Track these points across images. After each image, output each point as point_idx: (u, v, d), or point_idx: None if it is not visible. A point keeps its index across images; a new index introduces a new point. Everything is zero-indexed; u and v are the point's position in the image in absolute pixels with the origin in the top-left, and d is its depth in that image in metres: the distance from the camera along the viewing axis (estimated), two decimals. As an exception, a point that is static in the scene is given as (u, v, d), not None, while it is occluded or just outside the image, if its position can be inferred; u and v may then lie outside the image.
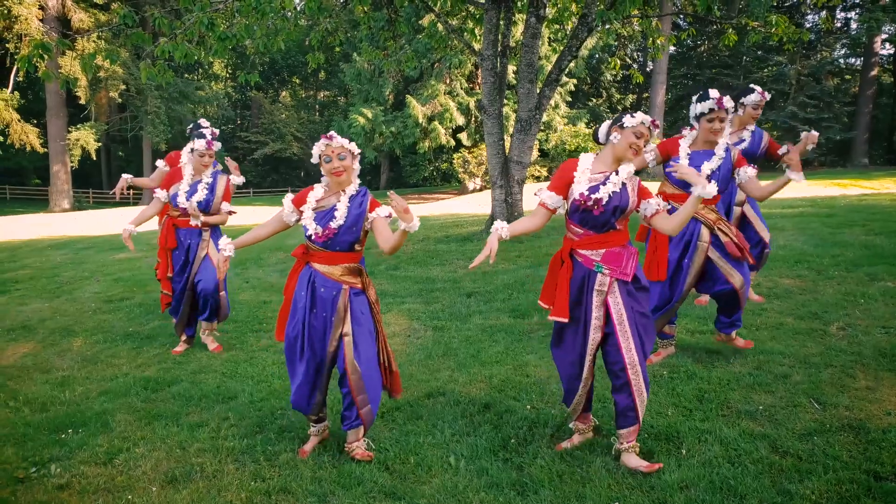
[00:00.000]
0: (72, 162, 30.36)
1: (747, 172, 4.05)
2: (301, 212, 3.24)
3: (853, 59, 32.44)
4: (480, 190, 26.08)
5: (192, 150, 4.87)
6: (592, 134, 3.30)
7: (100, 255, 10.90)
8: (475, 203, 18.04)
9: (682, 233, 4.14)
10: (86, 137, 30.12)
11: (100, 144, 32.69)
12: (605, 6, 8.73)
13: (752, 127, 5.02)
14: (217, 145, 4.93)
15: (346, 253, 3.20)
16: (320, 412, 3.41)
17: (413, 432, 3.55)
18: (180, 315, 5.15)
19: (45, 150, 30.41)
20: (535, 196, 3.25)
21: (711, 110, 3.92)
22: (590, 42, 24.33)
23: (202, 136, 4.91)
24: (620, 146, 3.01)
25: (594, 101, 35.99)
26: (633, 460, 3.09)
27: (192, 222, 4.97)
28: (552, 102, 25.28)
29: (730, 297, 4.19)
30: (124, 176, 5.72)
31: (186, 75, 37.74)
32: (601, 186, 3.00)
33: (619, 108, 38.90)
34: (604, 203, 2.98)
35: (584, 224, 3.06)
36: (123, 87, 30.25)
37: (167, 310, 5.32)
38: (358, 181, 3.30)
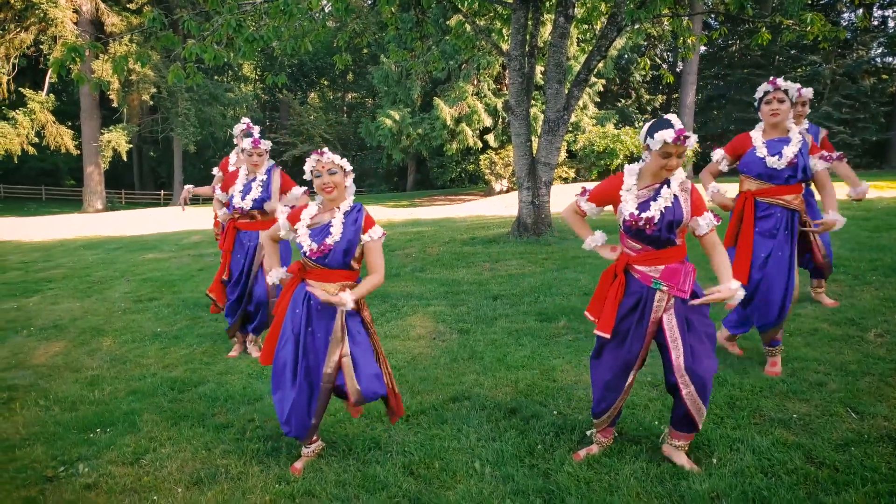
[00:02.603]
0: (103, 163, 30.96)
1: (817, 165, 3.97)
2: (295, 230, 3.22)
3: (890, 58, 31.60)
4: (507, 191, 25.95)
5: (242, 150, 4.89)
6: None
7: (130, 255, 11.09)
8: (501, 205, 17.96)
9: (779, 218, 4.04)
10: (117, 139, 30.70)
11: (131, 146, 33.32)
12: (635, 5, 8.60)
13: (804, 125, 4.66)
14: (266, 143, 4.88)
15: (342, 270, 3.15)
16: (314, 436, 3.33)
17: (438, 436, 3.51)
18: (237, 318, 5.07)
19: (79, 151, 31.11)
20: (575, 197, 3.18)
21: (767, 92, 3.95)
22: (619, 42, 24.09)
23: (250, 134, 4.94)
24: (654, 166, 2.88)
25: (623, 101, 35.61)
26: (679, 457, 3.07)
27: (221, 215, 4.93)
28: (580, 103, 25.05)
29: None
30: (187, 187, 5.73)
31: (216, 77, 38.29)
32: (651, 203, 2.87)
33: (649, 108, 38.42)
34: (656, 221, 2.85)
35: (641, 240, 2.95)
36: (154, 89, 30.79)
37: (222, 312, 5.25)
38: (352, 198, 3.24)
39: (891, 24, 31.01)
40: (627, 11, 8.33)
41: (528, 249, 8.77)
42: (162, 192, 39.02)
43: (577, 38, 16.74)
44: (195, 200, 29.35)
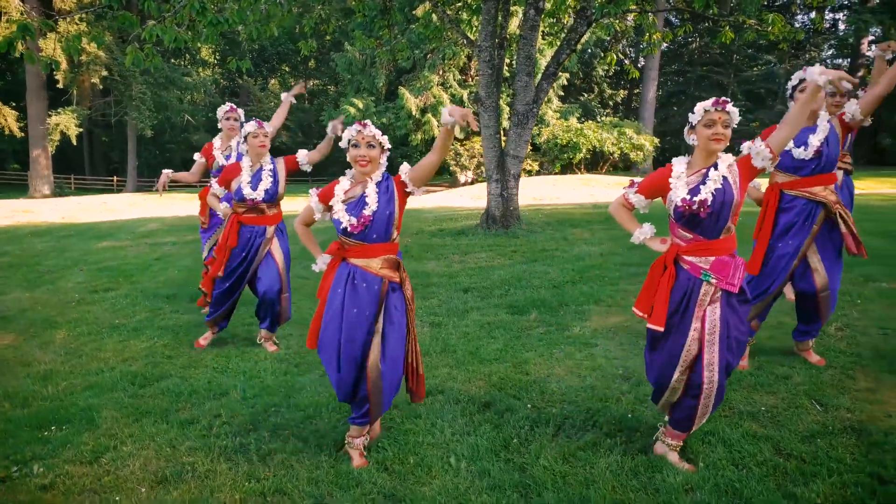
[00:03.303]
0: (51, 147, 29.75)
1: (852, 107, 3.90)
2: (330, 206, 3.14)
3: (840, 60, 32.70)
4: (472, 183, 25.97)
5: (245, 136, 4.62)
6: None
7: (83, 243, 10.68)
8: (468, 196, 17.95)
9: (799, 212, 3.97)
10: (66, 122, 29.49)
11: (81, 130, 32.12)
12: (605, 0, 8.63)
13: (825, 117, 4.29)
14: (269, 125, 4.71)
15: (383, 244, 3.08)
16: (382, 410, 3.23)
17: (412, 431, 3.45)
18: (223, 310, 4.89)
19: (24, 134, 29.82)
20: (623, 190, 3.12)
21: (802, 80, 3.86)
22: (583, 36, 24.27)
23: (250, 120, 4.76)
24: (702, 142, 2.89)
25: (586, 95, 35.99)
26: (672, 457, 3.07)
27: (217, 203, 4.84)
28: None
29: (808, 300, 4.04)
30: (165, 171, 5.44)
31: (173, 60, 37.22)
32: (701, 187, 2.85)
33: (611, 103, 38.89)
34: (709, 203, 2.83)
35: (693, 228, 2.91)
36: (106, 72, 29.68)
37: (210, 306, 5.03)
38: (384, 166, 3.18)
39: (841, 26, 32.04)
40: (597, 6, 8.35)
41: (497, 242, 8.76)
42: (115, 178, 37.76)
43: (543, 32, 16.77)
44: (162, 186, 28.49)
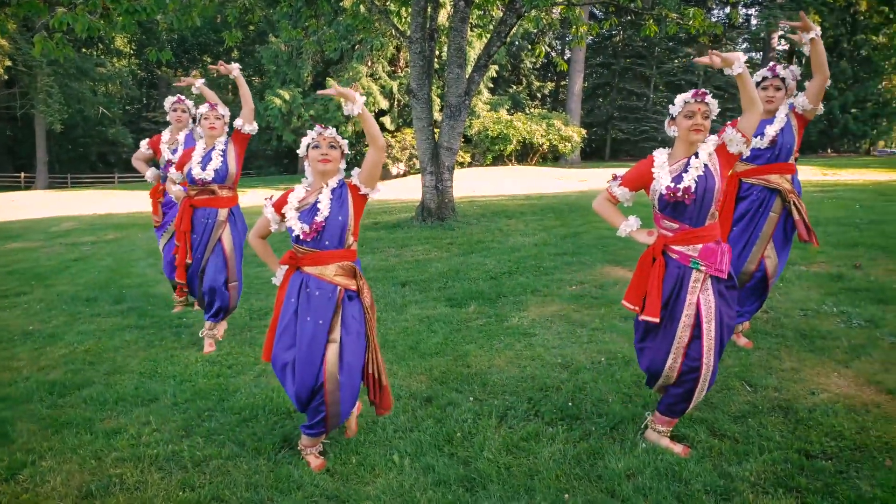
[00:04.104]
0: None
1: (800, 99, 4.02)
2: (283, 215, 3.04)
3: (754, 54, 34.36)
4: (404, 175, 25.84)
5: (197, 117, 4.57)
6: None
7: (-9, 244, 9.99)
8: (402, 189, 17.83)
9: (754, 199, 4.10)
10: (-34, 115, 27.55)
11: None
12: (534, -8, 8.69)
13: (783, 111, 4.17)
14: (224, 108, 4.59)
15: (337, 250, 3.00)
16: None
17: (353, 430, 3.38)
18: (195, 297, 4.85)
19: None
20: (607, 184, 3.13)
21: (765, 78, 4.02)
22: (513, 28, 24.50)
23: (204, 103, 4.63)
24: (682, 133, 2.93)
25: (515, 87, 36.39)
26: (665, 442, 3.11)
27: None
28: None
29: (757, 284, 4.17)
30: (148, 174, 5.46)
31: (84, 50, 35.30)
32: (684, 175, 2.89)
33: (539, 95, 39.46)
34: (693, 190, 2.86)
35: (679, 217, 2.94)
36: (9, 62, 27.81)
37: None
38: (342, 174, 3.12)
39: (753, 21, 33.68)
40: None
41: (433, 234, 8.73)
42: (22, 174, 35.49)
43: (471, 24, 16.81)
44: (69, 183, 27.05)
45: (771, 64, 4.07)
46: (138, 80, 41.89)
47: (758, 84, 4.05)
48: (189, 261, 4.65)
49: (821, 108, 4.10)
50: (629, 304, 3.07)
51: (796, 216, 4.08)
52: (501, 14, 9.78)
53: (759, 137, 4.04)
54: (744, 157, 4.06)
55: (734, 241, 4.15)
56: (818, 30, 3.85)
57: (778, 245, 4.16)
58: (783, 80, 4.00)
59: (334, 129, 3.04)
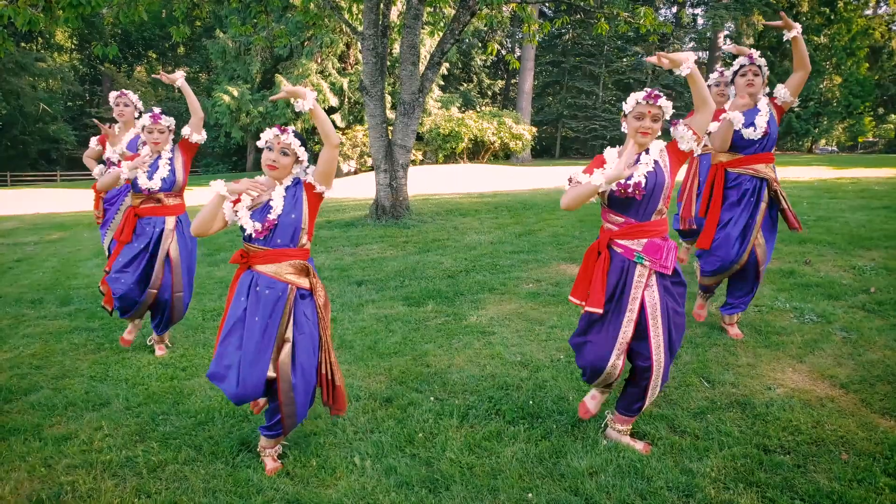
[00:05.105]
0: None
1: (781, 90, 4.12)
2: (236, 212, 2.96)
3: (700, 53, 35.32)
4: (355, 173, 25.64)
5: (142, 128, 4.37)
6: None
7: (-77, 247, 9.49)
8: (355, 187, 17.69)
9: (747, 189, 4.16)
10: None
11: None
12: (487, -10, 8.76)
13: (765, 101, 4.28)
14: (169, 119, 4.39)
15: (289, 248, 2.94)
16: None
17: (312, 432, 3.35)
18: (138, 309, 4.49)
19: None
20: (568, 182, 3.06)
21: (743, 66, 4.08)
22: (466, 26, 24.58)
23: (150, 111, 4.43)
24: (630, 132, 2.94)
25: (465, 85, 36.51)
26: (626, 440, 3.14)
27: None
28: (427, 86, 25.31)
29: (750, 271, 4.26)
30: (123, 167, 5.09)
31: (23, 44, 33.84)
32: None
33: (489, 93, 39.67)
34: (643, 185, 2.88)
35: (625, 211, 2.95)
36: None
37: (117, 312, 4.57)
38: (294, 173, 3.03)
39: (700, 21, 34.60)
40: (479, -4, 8.46)
41: (387, 233, 8.70)
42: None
43: (423, 21, 16.80)
44: (8, 181, 25.91)
45: (749, 51, 4.12)
46: (80, 75, 40.36)
47: (736, 72, 4.15)
48: (106, 269, 4.51)
49: (796, 101, 4.23)
50: (575, 299, 3.09)
51: (784, 205, 4.20)
52: (454, 11, 9.80)
53: (751, 128, 4.11)
54: (734, 146, 4.17)
55: (733, 230, 4.21)
56: (799, 28, 3.97)
57: (766, 231, 4.25)
58: (760, 66, 4.10)
59: (294, 137, 2.94)
